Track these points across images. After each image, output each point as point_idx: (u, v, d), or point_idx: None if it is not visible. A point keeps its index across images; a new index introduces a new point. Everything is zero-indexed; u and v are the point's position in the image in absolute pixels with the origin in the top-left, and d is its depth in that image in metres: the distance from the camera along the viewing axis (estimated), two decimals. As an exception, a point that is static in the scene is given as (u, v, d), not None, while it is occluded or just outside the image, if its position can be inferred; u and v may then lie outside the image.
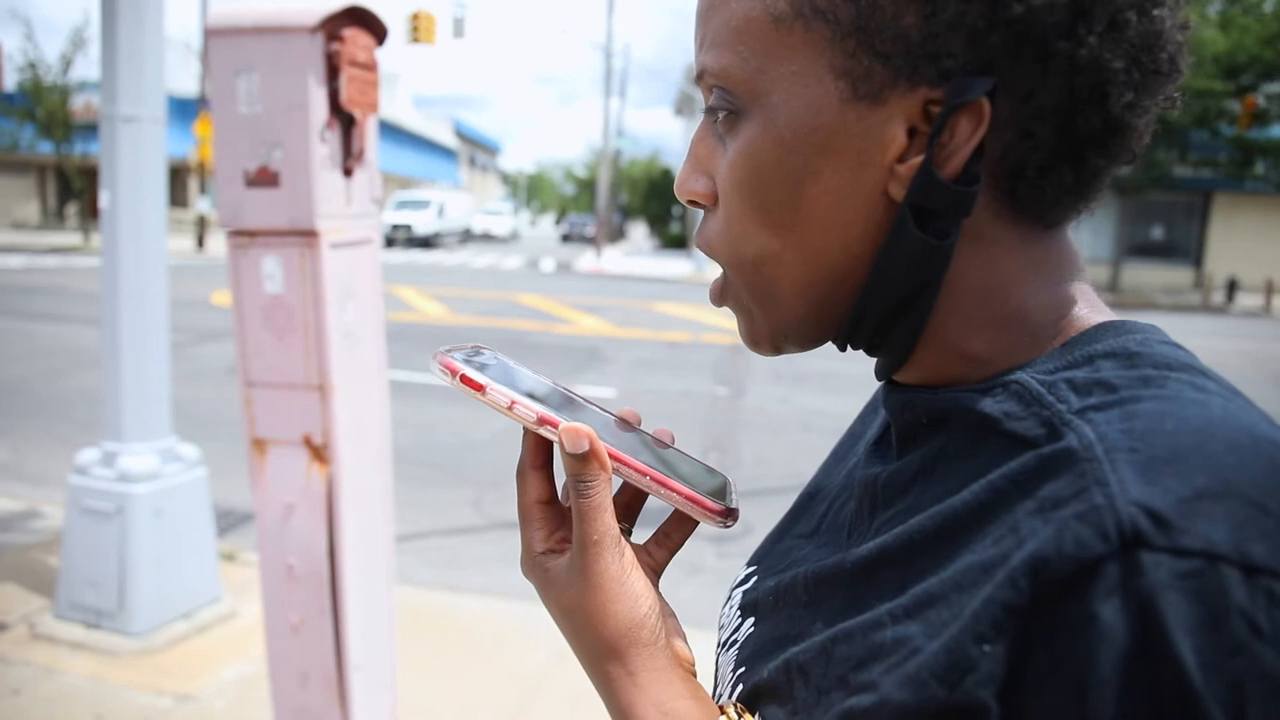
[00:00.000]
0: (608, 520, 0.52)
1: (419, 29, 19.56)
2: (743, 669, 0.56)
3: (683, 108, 32.40)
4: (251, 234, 2.04)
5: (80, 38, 23.29)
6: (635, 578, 0.53)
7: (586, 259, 28.31)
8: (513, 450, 4.70)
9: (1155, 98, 0.48)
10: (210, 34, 1.96)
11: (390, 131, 39.35)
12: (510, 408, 0.52)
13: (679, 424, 6.86)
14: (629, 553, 0.53)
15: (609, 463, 0.52)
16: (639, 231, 56.35)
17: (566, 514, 0.56)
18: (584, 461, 0.51)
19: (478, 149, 71.07)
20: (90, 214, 24.57)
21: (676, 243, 37.84)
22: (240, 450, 2.28)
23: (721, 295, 0.57)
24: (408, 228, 31.39)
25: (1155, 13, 0.46)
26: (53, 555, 3.88)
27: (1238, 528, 0.37)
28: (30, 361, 8.69)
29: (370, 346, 2.24)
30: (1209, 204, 23.87)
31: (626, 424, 0.58)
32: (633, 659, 0.52)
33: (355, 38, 2.03)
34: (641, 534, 0.57)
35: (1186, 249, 24.40)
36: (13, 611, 3.50)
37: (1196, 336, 13.23)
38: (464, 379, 0.52)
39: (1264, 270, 21.64)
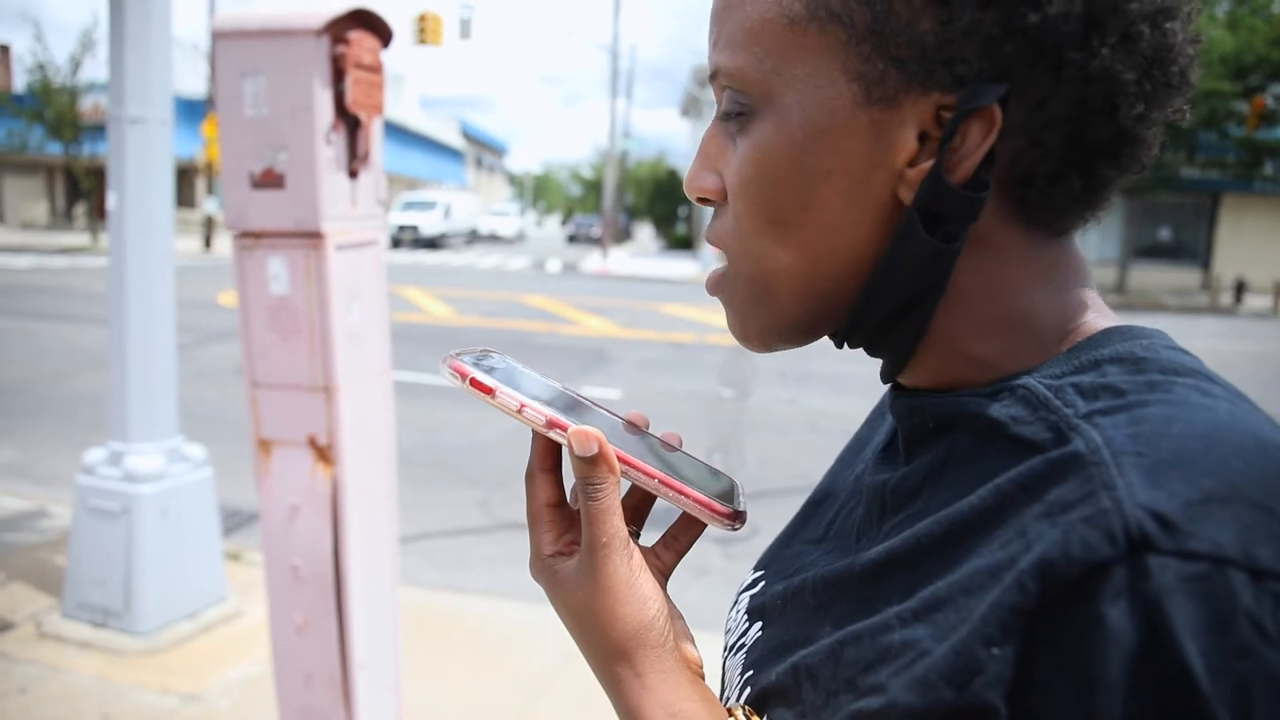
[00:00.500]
0: (616, 523, 0.52)
1: (426, 30, 19.60)
2: (751, 672, 0.56)
3: (689, 109, 32.39)
4: (257, 235, 2.04)
5: (89, 39, 23.40)
6: (644, 580, 0.53)
7: (592, 260, 28.33)
8: (519, 451, 4.71)
9: (1165, 110, 0.48)
10: (217, 37, 1.97)
11: (397, 132, 39.42)
12: (520, 411, 0.52)
13: (685, 425, 6.85)
14: (637, 555, 0.53)
15: (618, 466, 0.52)
16: (645, 232, 56.41)
17: (575, 517, 0.57)
18: (593, 464, 0.51)
19: (484, 150, 71.19)
20: (98, 214, 24.66)
21: (682, 244, 37.86)
22: (246, 450, 2.29)
23: (718, 286, 0.57)
24: (414, 228, 31.50)
25: (1168, 26, 0.46)
26: (60, 554, 3.90)
27: (1244, 531, 0.37)
28: (38, 362, 8.73)
29: (375, 348, 2.25)
30: (1217, 205, 23.81)
31: (634, 427, 0.58)
32: (641, 661, 0.52)
33: (361, 40, 2.04)
34: (650, 536, 0.57)
35: (1194, 250, 24.34)
36: (20, 610, 3.51)
37: (1203, 338, 13.20)
38: (474, 382, 0.52)
39: (1272, 272, 21.58)
